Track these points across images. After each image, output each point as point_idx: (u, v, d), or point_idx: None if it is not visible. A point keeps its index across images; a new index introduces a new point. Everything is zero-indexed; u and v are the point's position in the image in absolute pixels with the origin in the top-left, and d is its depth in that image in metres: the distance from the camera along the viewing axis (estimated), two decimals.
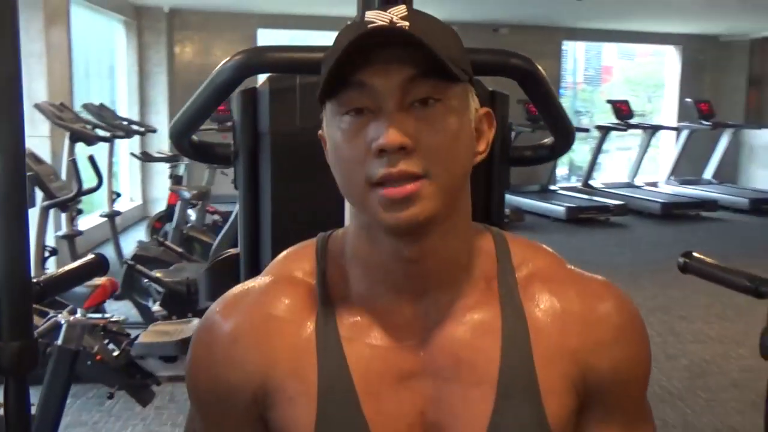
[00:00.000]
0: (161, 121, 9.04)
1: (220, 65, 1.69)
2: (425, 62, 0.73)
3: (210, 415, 0.86)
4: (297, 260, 0.88)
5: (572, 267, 0.88)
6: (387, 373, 0.80)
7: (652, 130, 10.58)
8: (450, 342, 0.81)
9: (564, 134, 1.95)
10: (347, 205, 1.89)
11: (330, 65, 0.74)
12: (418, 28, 0.74)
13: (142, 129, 6.01)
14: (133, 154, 6.67)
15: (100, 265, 1.45)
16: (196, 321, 3.07)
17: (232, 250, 2.11)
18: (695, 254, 1.31)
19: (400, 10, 0.76)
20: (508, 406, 0.79)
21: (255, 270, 2.00)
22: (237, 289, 0.89)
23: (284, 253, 0.92)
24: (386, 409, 0.80)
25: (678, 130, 11.08)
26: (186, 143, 1.91)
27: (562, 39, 11.45)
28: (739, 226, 9.22)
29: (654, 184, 11.33)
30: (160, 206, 8.86)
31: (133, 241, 7.40)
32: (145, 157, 6.38)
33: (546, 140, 1.99)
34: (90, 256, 1.46)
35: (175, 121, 1.85)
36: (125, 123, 5.81)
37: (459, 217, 0.82)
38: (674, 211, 9.42)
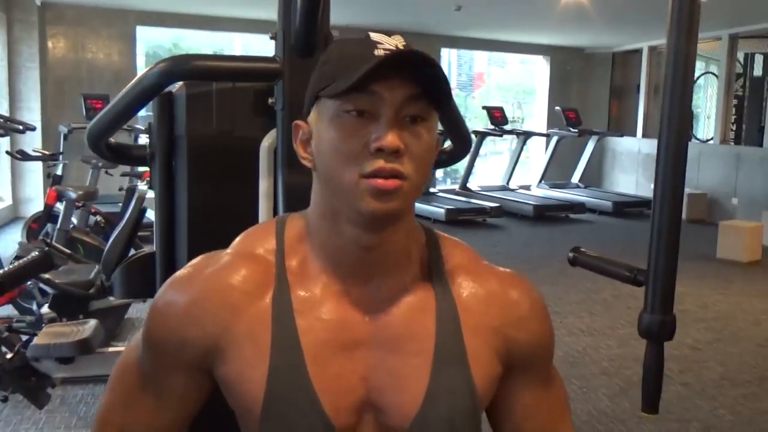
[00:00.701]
0: (34, 118, 8.68)
1: (145, 71, 1.75)
2: (423, 86, 0.87)
3: (156, 356, 0.98)
4: (258, 239, 0.99)
5: (486, 262, 1.04)
6: (333, 343, 0.92)
7: (525, 135, 11.12)
8: (392, 318, 0.94)
9: (462, 141, 2.13)
10: (261, 204, 1.98)
11: (352, 72, 0.85)
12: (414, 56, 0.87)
13: (21, 127, 5.78)
14: (9, 153, 6.40)
15: (45, 260, 1.47)
16: (93, 322, 3.06)
17: (146, 249, 2.17)
18: (582, 249, 1.49)
19: (400, 39, 0.90)
20: (442, 373, 0.93)
21: (171, 267, 2.07)
22: (203, 259, 0.99)
23: (246, 231, 1.02)
24: (330, 373, 0.92)
25: (548, 136, 11.70)
26: (103, 145, 1.95)
27: (441, 46, 11.84)
28: (604, 226, 9.87)
29: (527, 188, 11.90)
30: (31, 206, 8.53)
31: (4, 242, 7.11)
32: (23, 156, 6.14)
33: (445, 146, 2.17)
34: (35, 253, 1.48)
35: (94, 123, 1.89)
36: (1, 120, 5.58)
37: (410, 214, 0.96)
38: (546, 213, 9.98)
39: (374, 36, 0.89)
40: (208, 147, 1.99)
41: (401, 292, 0.96)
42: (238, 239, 1.01)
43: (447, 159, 2.17)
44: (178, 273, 0.98)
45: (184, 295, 0.95)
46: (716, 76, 11.37)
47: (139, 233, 3.97)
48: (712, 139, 11.19)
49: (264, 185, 1.98)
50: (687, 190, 10.64)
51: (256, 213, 2.00)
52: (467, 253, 1.02)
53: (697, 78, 12.43)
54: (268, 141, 1.95)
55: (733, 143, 11.13)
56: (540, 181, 11.83)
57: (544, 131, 11.99)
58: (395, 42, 0.89)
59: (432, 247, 1.00)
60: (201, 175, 2.01)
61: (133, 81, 1.78)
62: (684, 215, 10.47)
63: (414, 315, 0.95)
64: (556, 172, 11.93)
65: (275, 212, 1.86)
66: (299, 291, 0.94)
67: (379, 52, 0.86)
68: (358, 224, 0.91)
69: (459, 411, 0.94)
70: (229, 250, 0.99)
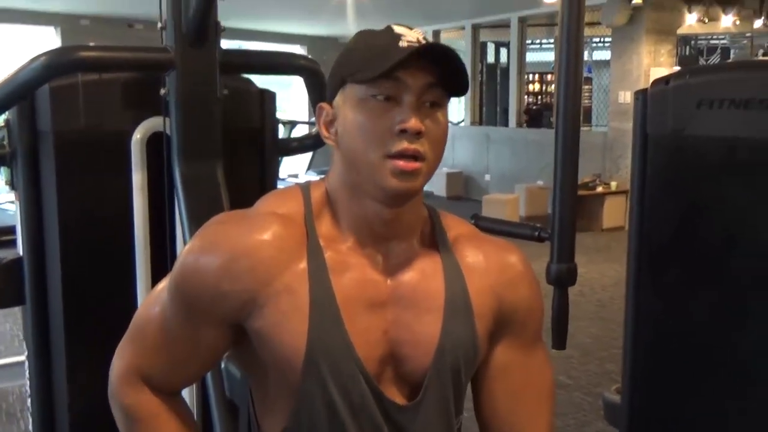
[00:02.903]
0: None
1: (23, 64, 1.64)
2: (441, 75, 0.97)
3: (188, 311, 1.01)
4: (286, 201, 1.05)
5: (481, 232, 1.18)
6: (361, 300, 1.02)
7: (291, 125, 11.29)
8: (407, 279, 1.05)
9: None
10: (135, 198, 1.94)
11: (382, 60, 0.94)
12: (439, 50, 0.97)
13: None
14: None
15: None
16: None
17: (11, 255, 2.02)
18: (482, 215, 1.68)
19: (419, 33, 0.99)
20: (451, 326, 1.05)
21: (41, 271, 1.96)
22: (232, 216, 1.05)
23: (271, 194, 1.08)
24: (360, 327, 1.01)
25: (311, 124, 11.97)
26: None
27: None
28: None
29: (295, 176, 12.11)
30: None
31: None
32: None
33: (312, 131, 2.25)
34: None
35: None
36: None
37: (420, 192, 1.06)
38: None
39: (397, 29, 0.99)
40: (77, 142, 1.92)
41: (412, 256, 1.06)
42: (263, 201, 1.06)
43: (312, 144, 2.26)
44: (209, 229, 1.02)
45: (223, 251, 0.99)
46: None
47: None
48: (463, 121, 12.13)
49: (138, 179, 1.95)
50: (445, 170, 11.48)
51: (131, 208, 1.96)
52: (465, 225, 1.15)
53: None
54: (140, 133, 1.92)
55: (479, 124, 12.17)
56: (307, 169, 12.09)
57: (308, 120, 12.26)
58: (416, 35, 0.99)
59: (434, 219, 1.11)
60: (70, 173, 1.93)
61: (6, 76, 1.67)
62: (444, 192, 11.32)
63: (425, 277, 1.06)
64: (322, 159, 12.25)
65: (174, 204, 1.84)
66: (329, 252, 1.02)
67: (403, 44, 0.96)
68: (378, 200, 1.00)
69: (465, 361, 1.06)
70: (257, 210, 1.04)
